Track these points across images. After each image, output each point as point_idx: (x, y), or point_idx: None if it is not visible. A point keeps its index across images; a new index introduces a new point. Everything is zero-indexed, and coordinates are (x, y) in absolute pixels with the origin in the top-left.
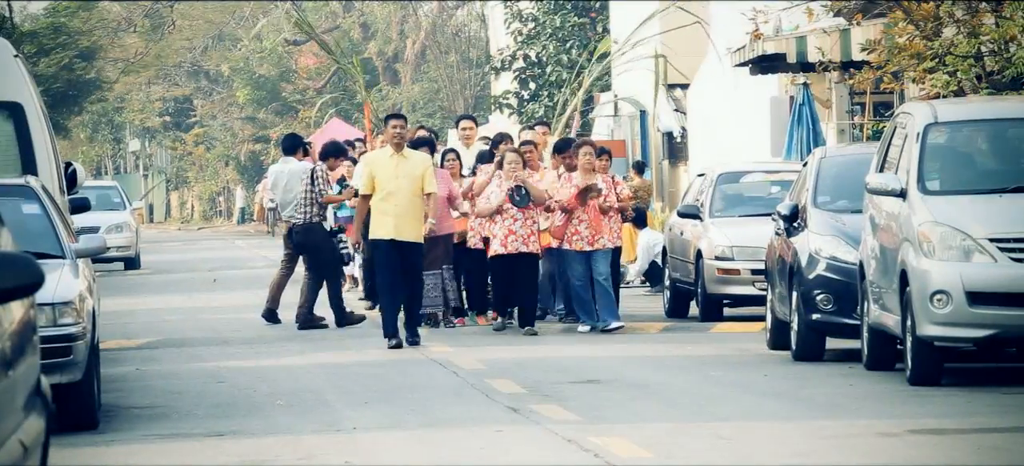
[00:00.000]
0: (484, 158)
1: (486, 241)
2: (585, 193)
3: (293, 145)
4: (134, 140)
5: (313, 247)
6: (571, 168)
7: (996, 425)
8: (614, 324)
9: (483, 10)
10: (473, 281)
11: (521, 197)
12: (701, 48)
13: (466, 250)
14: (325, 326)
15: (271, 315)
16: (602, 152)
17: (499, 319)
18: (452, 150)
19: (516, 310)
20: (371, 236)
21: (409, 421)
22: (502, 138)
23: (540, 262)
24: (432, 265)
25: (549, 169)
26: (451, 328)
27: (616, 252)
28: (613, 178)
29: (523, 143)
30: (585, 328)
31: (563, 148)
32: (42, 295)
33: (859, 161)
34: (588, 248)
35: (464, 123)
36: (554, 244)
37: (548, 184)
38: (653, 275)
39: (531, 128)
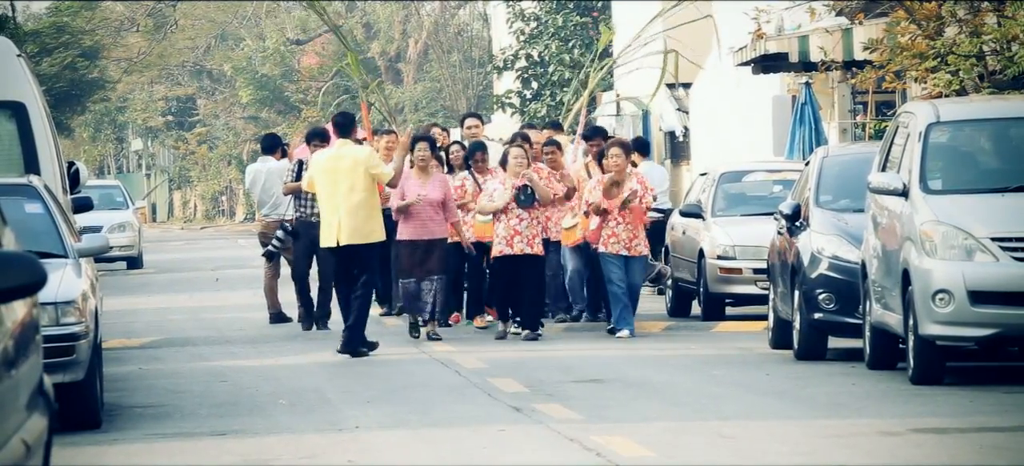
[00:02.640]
0: (476, 149)
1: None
2: (610, 190)
3: (272, 145)
4: (137, 139)
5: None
6: (599, 157)
7: (998, 424)
8: (625, 332)
9: (485, 9)
10: (476, 281)
11: (527, 197)
12: (704, 47)
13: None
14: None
15: (278, 317)
16: (631, 151)
17: (501, 327)
18: (457, 142)
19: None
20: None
21: (411, 420)
22: (520, 138)
23: (543, 262)
24: (428, 272)
25: (571, 164)
26: (435, 340)
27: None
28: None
29: (546, 143)
30: (624, 333)
31: (591, 136)
32: (45, 294)
33: (861, 160)
34: (625, 253)
35: (469, 121)
36: (573, 242)
37: (575, 176)
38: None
39: (540, 129)
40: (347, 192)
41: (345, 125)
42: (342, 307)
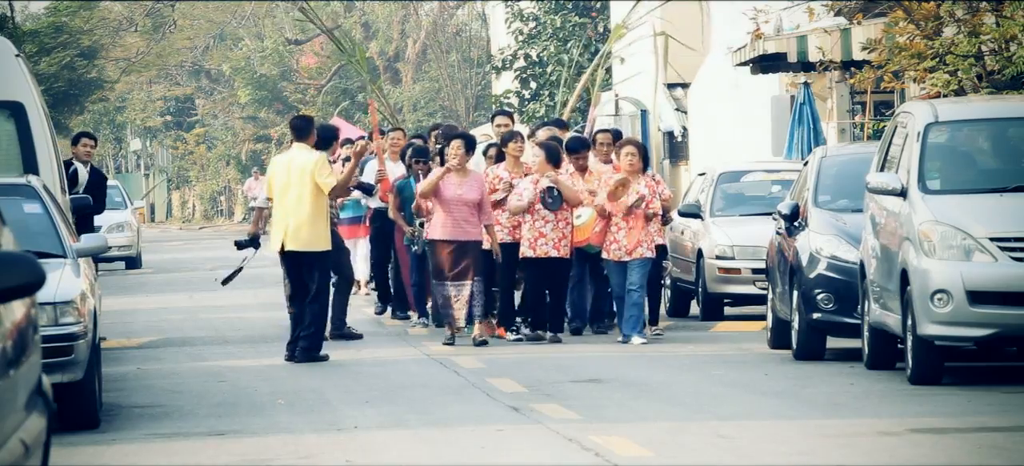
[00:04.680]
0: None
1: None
2: (616, 192)
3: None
4: (135, 139)
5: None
6: (582, 169)
7: (997, 424)
8: (637, 340)
9: (484, 10)
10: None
11: (554, 199)
12: (698, 45)
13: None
14: (359, 336)
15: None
16: (646, 152)
17: (533, 331)
18: (494, 144)
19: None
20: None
21: (410, 420)
22: (512, 136)
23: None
24: (461, 276)
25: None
26: (482, 345)
27: (658, 257)
28: (653, 177)
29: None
30: (637, 340)
31: (576, 148)
32: (43, 294)
33: (860, 160)
34: (626, 258)
35: (500, 120)
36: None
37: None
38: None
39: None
40: (295, 198)
41: (302, 129)
42: (291, 314)
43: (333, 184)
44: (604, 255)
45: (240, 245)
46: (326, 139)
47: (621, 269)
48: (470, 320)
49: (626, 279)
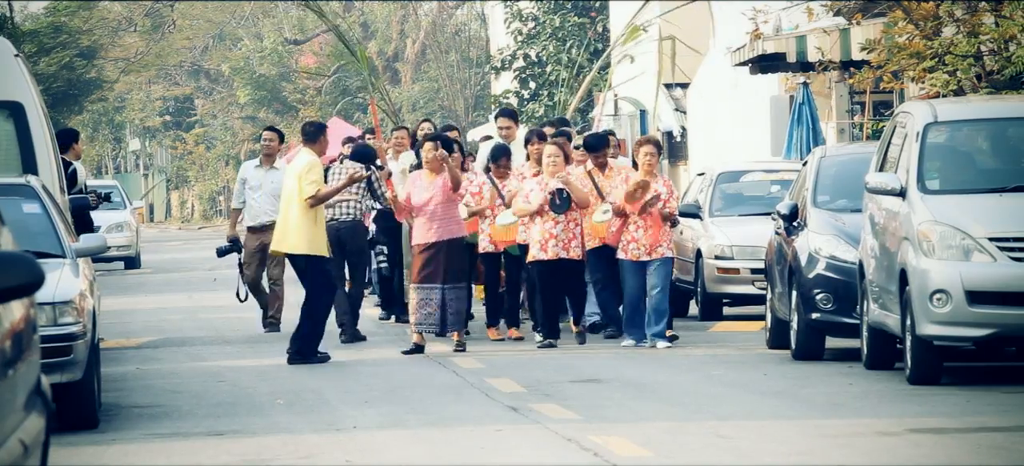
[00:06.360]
0: (499, 154)
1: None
2: (634, 193)
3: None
4: (134, 139)
5: (359, 249)
6: (601, 166)
7: (996, 424)
8: (662, 345)
9: (483, 10)
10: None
11: (562, 201)
12: (702, 47)
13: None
14: (363, 339)
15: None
16: (661, 149)
17: (545, 338)
18: (535, 133)
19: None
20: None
21: (409, 420)
22: (533, 135)
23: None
24: (431, 278)
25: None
26: (461, 351)
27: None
28: (665, 180)
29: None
30: (629, 342)
31: (595, 146)
32: (42, 294)
33: (859, 160)
34: (645, 258)
35: (502, 121)
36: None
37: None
38: None
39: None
40: (285, 200)
41: (311, 134)
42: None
43: (311, 193)
44: (621, 255)
45: (221, 252)
46: (364, 157)
47: (637, 269)
48: (444, 327)
49: (644, 281)
